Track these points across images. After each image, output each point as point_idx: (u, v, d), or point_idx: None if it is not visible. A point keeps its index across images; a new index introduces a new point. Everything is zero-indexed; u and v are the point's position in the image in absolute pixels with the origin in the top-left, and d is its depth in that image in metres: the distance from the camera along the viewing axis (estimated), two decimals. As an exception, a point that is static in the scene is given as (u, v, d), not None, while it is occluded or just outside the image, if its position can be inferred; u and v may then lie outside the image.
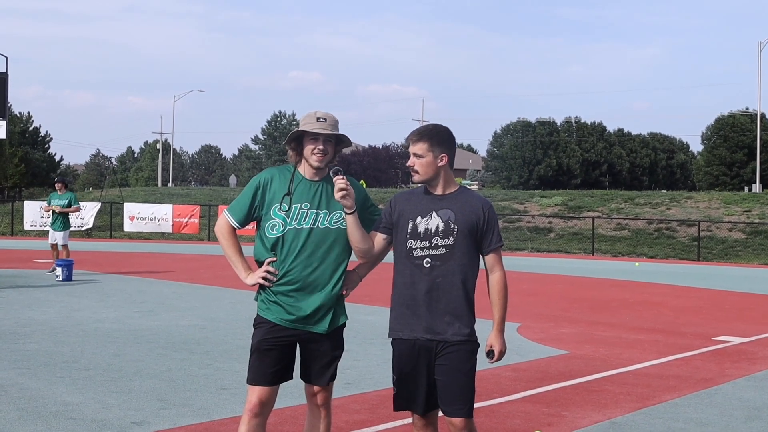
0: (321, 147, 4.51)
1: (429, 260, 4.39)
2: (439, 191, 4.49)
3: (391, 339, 4.53)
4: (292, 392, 6.66)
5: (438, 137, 4.45)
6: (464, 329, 4.39)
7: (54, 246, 18.35)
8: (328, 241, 4.53)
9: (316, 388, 4.63)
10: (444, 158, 4.45)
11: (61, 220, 18.23)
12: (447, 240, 4.39)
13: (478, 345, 4.47)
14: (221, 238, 4.65)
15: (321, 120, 4.51)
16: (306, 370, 4.62)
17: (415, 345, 4.40)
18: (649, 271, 25.21)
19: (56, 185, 18.67)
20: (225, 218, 4.63)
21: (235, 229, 4.63)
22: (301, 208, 4.51)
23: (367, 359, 9.07)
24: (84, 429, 6.06)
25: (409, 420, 4.69)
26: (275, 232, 4.50)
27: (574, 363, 9.32)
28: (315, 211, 4.53)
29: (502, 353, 4.49)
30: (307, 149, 4.54)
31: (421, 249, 4.41)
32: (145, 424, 6.25)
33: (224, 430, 6.15)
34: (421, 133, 4.47)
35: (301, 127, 4.54)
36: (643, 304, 15.63)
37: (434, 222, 4.42)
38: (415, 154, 4.44)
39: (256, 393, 4.48)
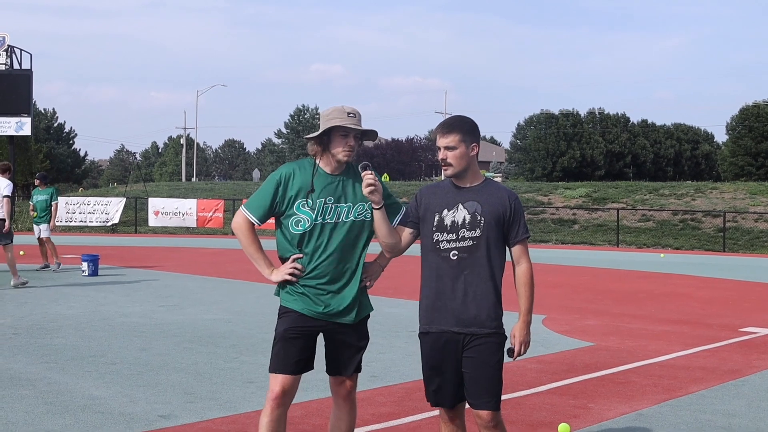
0: (352, 143, 4.48)
1: (456, 252, 4.37)
2: (466, 183, 4.46)
3: (418, 332, 4.53)
4: (318, 385, 6.68)
5: (467, 127, 4.43)
6: (492, 321, 4.37)
7: (41, 241, 18.55)
8: (353, 234, 4.51)
9: (341, 380, 4.63)
10: (475, 147, 4.43)
11: (45, 214, 18.51)
12: (474, 232, 4.36)
13: (506, 337, 4.44)
14: (241, 236, 4.59)
15: (351, 115, 4.47)
16: (332, 361, 4.62)
17: (443, 338, 4.39)
18: (674, 263, 25.03)
19: (36, 181, 19.18)
20: (243, 214, 4.56)
21: (254, 225, 4.58)
22: (325, 203, 4.48)
23: (393, 352, 9.07)
24: (111, 422, 6.11)
25: (435, 412, 4.70)
26: (300, 228, 4.47)
27: (600, 355, 9.29)
28: (339, 205, 4.51)
29: (526, 344, 4.46)
30: (336, 144, 4.48)
31: (448, 242, 4.39)
32: (172, 417, 6.29)
33: (251, 423, 6.16)
34: (452, 124, 4.43)
35: (331, 122, 4.46)
36: (669, 296, 15.53)
37: (461, 214, 4.39)
38: (447, 147, 4.38)
39: (279, 381, 4.46)
